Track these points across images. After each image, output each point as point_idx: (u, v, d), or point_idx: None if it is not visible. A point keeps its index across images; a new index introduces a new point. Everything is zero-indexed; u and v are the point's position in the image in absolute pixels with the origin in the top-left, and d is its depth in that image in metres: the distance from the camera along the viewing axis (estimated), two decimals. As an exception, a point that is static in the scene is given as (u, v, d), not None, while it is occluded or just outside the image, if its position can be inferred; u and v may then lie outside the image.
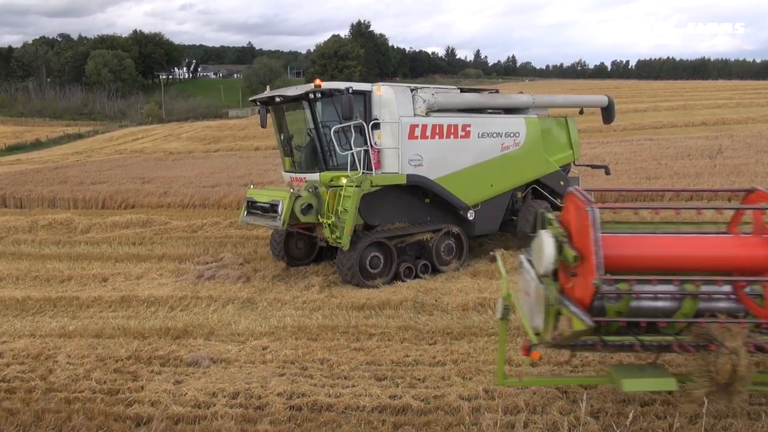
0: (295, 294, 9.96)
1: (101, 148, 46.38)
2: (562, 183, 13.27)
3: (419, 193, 11.21)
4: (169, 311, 9.16)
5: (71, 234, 15.96)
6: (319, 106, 10.52)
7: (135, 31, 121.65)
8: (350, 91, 10.14)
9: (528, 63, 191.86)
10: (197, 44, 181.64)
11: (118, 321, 8.62)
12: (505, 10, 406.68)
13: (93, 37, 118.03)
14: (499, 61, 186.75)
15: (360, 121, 10.44)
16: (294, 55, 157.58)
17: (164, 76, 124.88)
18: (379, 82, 11.14)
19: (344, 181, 10.15)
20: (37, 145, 53.00)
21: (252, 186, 12.18)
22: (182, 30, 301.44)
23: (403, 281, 10.56)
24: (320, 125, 10.56)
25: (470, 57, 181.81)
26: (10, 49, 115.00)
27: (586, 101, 14.97)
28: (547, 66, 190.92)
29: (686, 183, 19.22)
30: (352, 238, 10.11)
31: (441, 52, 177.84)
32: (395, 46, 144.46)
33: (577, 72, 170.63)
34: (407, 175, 10.62)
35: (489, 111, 12.27)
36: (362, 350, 7.38)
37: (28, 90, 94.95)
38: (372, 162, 10.55)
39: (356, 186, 9.97)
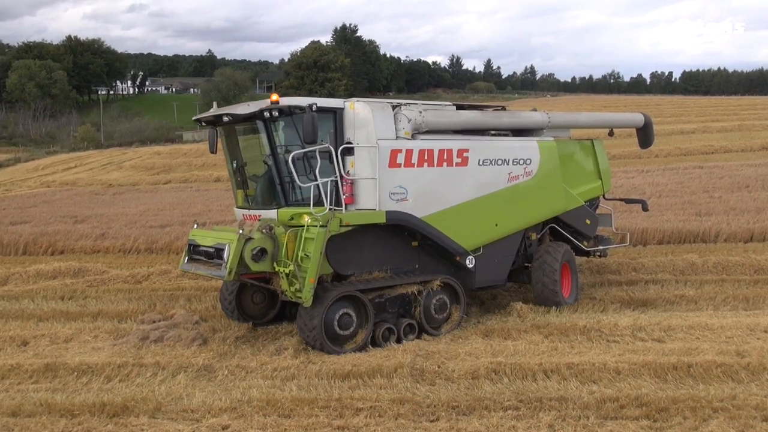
0: (263, 359, 9.92)
1: (24, 180, 46.49)
2: (588, 221, 13.22)
3: (404, 234, 11.09)
4: (106, 382, 9.07)
5: (-16, 286, 15.86)
6: (276, 126, 10.41)
7: (69, 38, 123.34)
8: (314, 108, 9.89)
9: (550, 75, 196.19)
10: (146, 53, 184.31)
11: (40, 395, 8.52)
12: (522, 13, 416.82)
13: (17, 45, 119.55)
14: (514, 73, 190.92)
15: (326, 145, 10.27)
16: (264, 66, 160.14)
17: (104, 92, 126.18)
18: (353, 98, 10.99)
19: (307, 219, 9.94)
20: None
21: (196, 226, 12.01)
22: (129, 36, 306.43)
23: (380, 346, 10.26)
24: (278, 150, 10.43)
25: (480, 68, 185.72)
26: None
27: (617, 120, 15.05)
28: (573, 78, 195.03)
29: (745, 220, 19.46)
30: (317, 291, 9.83)
31: (444, 62, 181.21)
32: (388, 55, 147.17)
33: (609, 86, 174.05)
34: (387, 212, 10.44)
35: (492, 132, 12.24)
36: (347, 429, 7.31)
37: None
38: (342, 196, 10.34)
39: (321, 226, 9.78)
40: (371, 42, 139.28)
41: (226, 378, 9.16)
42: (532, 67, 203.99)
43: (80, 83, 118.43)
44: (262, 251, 9.90)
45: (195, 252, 11.12)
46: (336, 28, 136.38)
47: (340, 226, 9.95)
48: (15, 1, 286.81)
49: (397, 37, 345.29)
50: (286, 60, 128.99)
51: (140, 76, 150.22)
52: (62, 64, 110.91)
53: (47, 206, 30.07)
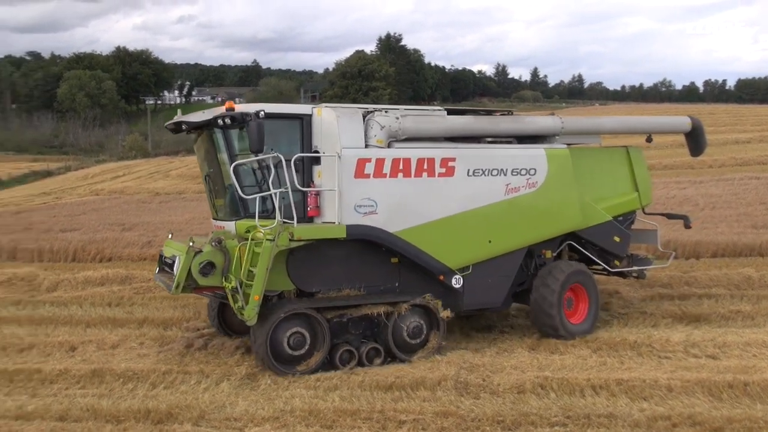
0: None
1: (74, 188, 47.64)
2: (617, 239, 12.14)
3: (382, 250, 10.42)
4: (150, 389, 9.22)
5: (34, 293, 16.30)
6: (232, 135, 10.07)
7: (118, 48, 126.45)
8: (261, 115, 9.46)
9: (598, 83, 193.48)
10: (193, 63, 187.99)
11: (87, 400, 8.70)
12: (570, 21, 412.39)
13: (68, 56, 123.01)
14: (562, 82, 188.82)
15: (275, 154, 9.73)
16: (309, 75, 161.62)
17: (152, 102, 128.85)
18: (323, 104, 10.57)
19: (261, 233, 9.51)
20: (10, 181, 54.79)
21: (171, 236, 11.75)
22: (177, 47, 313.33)
23: (341, 369, 9.81)
24: (235, 160, 10.07)
25: (526, 76, 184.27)
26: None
27: (655, 125, 13.78)
28: (623, 87, 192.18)
29: (805, 233, 18.84)
30: (267, 308, 9.62)
31: (490, 71, 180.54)
32: (433, 64, 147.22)
33: (660, 94, 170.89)
34: (349, 226, 9.89)
35: (489, 140, 11.40)
36: (390, 442, 7.30)
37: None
38: (306, 208, 10.05)
39: (268, 240, 9.38)
40: (416, 51, 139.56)
41: (269, 387, 9.23)
42: (579, 76, 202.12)
43: (129, 93, 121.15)
44: (210, 265, 9.49)
45: (163, 263, 10.88)
46: (380, 38, 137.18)
47: (291, 240, 9.51)
48: (68, 13, 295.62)
49: (443, 45, 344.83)
50: (331, 69, 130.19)
51: (187, 86, 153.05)
52: (111, 74, 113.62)
53: (96, 214, 30.75)
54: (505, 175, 11.03)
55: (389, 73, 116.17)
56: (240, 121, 9.67)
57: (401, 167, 10.32)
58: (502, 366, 9.77)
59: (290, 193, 9.75)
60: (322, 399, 8.61)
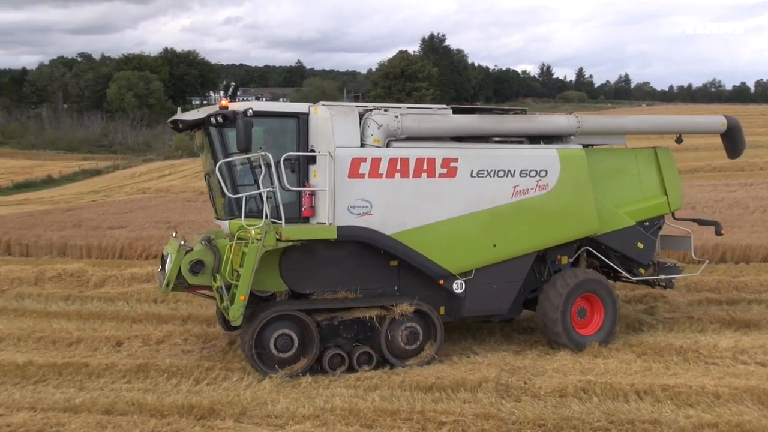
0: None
1: (121, 187, 48.65)
2: (640, 245, 11.50)
3: (381, 252, 10.20)
4: (194, 385, 9.37)
5: (83, 288, 16.68)
6: (226, 133, 9.94)
7: (165, 49, 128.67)
8: (249, 113, 9.44)
9: (645, 83, 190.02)
10: (238, 64, 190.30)
11: (132, 394, 8.88)
12: (618, 20, 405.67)
13: (117, 57, 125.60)
14: (608, 82, 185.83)
15: (263, 153, 9.68)
16: (352, 76, 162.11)
17: (198, 102, 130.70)
18: (322, 102, 10.51)
19: (248, 233, 9.47)
20: (48, 182, 56.18)
21: (174, 234, 11.51)
22: (223, 48, 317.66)
23: (331, 373, 9.72)
24: (229, 159, 9.97)
25: (571, 76, 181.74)
26: (23, 71, 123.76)
27: (685, 125, 12.72)
28: (671, 87, 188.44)
29: None
30: (256, 309, 9.61)
31: (534, 71, 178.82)
32: (476, 64, 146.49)
33: (709, 94, 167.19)
34: (341, 227, 9.72)
35: (496, 140, 10.99)
36: (429, 443, 7.29)
37: (41, 118, 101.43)
38: (300, 208, 9.97)
39: (254, 240, 9.30)
40: (459, 51, 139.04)
41: (309, 385, 9.29)
42: (626, 76, 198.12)
43: (176, 93, 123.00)
44: (199, 263, 9.48)
45: (163, 261, 10.86)
46: (424, 38, 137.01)
47: (279, 240, 9.44)
48: (118, 15, 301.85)
49: (487, 46, 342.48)
50: (374, 70, 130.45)
51: (232, 87, 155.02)
52: (159, 75, 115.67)
53: (142, 212, 31.30)
54: (512, 176, 10.60)
55: (432, 74, 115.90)
56: (232, 119, 9.56)
57: (399, 167, 10.06)
58: (543, 369, 9.68)
59: (278, 192, 9.68)
60: (362, 398, 8.63)
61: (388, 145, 10.14)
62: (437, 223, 10.23)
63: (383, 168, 9.98)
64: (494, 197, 10.52)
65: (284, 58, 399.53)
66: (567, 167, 10.89)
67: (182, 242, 9.74)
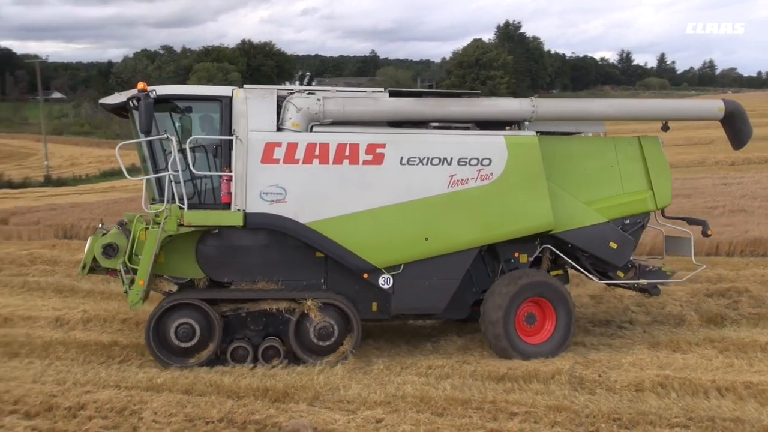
0: (418, 356, 10.06)
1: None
2: (613, 245, 10.27)
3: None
4: (269, 368, 9.55)
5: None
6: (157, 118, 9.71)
7: (243, 41, 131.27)
8: (152, 95, 9.25)
9: (731, 69, 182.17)
10: (314, 54, 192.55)
11: (210, 376, 9.13)
12: (703, 4, 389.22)
13: (197, 49, 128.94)
14: (691, 68, 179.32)
15: (165, 136, 9.52)
16: (426, 65, 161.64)
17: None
18: (246, 85, 10.09)
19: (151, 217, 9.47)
20: (132, 170, 58.48)
21: (101, 223, 11.55)
22: (300, 38, 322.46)
23: (230, 366, 9.50)
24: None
25: (652, 63, 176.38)
26: (110, 64, 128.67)
27: (668, 110, 11.12)
28: (759, 73, 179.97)
29: None
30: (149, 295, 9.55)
31: (613, 58, 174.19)
32: (552, 52, 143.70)
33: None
34: (250, 213, 9.40)
35: (435, 125, 10.16)
36: (500, 433, 7.23)
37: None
38: (215, 194, 9.69)
39: (154, 225, 9.32)
40: (535, 39, 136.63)
41: (381, 372, 9.36)
42: (711, 62, 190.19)
43: (253, 83, 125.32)
44: (111, 247, 9.43)
45: None
46: (499, 26, 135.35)
47: (181, 226, 9.30)
48: (200, 9, 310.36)
49: (564, 33, 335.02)
50: (448, 59, 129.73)
51: (307, 77, 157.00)
52: (237, 66, 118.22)
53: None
54: (449, 164, 9.75)
55: (507, 62, 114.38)
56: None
57: (317, 153, 9.53)
58: (619, 362, 9.45)
59: (180, 176, 9.36)
60: (434, 386, 8.64)
61: (311, 131, 9.72)
62: (360, 213, 9.63)
63: (300, 154, 9.51)
64: (427, 187, 9.74)
65: (359, 48, 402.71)
66: (516, 156, 9.90)
67: (100, 225, 9.86)
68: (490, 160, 9.83)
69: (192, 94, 10.11)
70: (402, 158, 9.69)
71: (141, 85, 9.37)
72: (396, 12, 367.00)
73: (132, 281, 9.48)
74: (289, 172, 9.49)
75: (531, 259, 10.53)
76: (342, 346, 9.75)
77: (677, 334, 10.87)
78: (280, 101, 9.79)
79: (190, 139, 9.62)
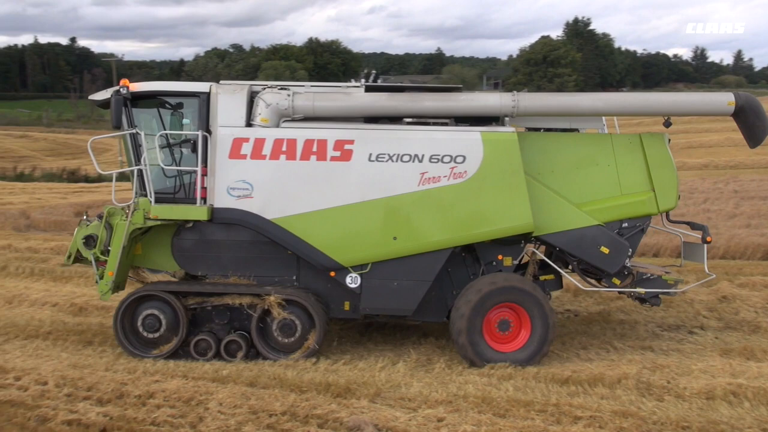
0: (480, 356, 9.96)
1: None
2: (604, 250, 9.67)
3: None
4: (331, 364, 9.65)
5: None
6: (128, 112, 9.90)
7: (310, 39, 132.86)
8: (122, 92, 9.50)
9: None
10: (379, 52, 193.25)
11: (274, 369, 9.29)
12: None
13: (266, 48, 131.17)
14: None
15: (134, 131, 9.78)
16: (492, 62, 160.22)
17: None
18: (223, 81, 10.23)
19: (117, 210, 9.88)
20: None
21: (86, 214, 11.73)
22: (366, 37, 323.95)
23: (194, 359, 9.71)
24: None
25: (728, 60, 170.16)
26: (181, 62, 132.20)
27: (669, 105, 10.10)
28: None
29: None
30: (117, 287, 9.85)
31: (687, 55, 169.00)
32: (623, 49, 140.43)
33: None
34: (217, 208, 9.53)
35: (408, 121, 9.81)
36: (564, 437, 7.12)
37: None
38: (191, 188, 9.82)
39: (123, 218, 9.65)
40: (605, 35, 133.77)
41: (443, 371, 9.33)
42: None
43: (319, 81, 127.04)
44: (90, 238, 9.81)
45: None
46: (568, 22, 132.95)
47: (148, 219, 9.55)
48: (270, 8, 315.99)
49: (636, 29, 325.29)
50: (515, 56, 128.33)
51: (373, 74, 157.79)
52: (304, 64, 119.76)
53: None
54: (420, 161, 9.47)
55: (575, 59, 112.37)
56: (131, 98, 9.74)
57: (284, 149, 9.50)
58: (689, 368, 9.15)
59: (147, 170, 9.64)
60: (496, 387, 8.57)
61: (279, 126, 9.68)
62: (327, 210, 9.53)
63: (267, 149, 9.51)
64: (396, 184, 9.49)
65: (425, 45, 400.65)
66: (492, 153, 9.47)
67: (84, 217, 10.18)
68: (464, 158, 9.50)
69: (171, 90, 10.28)
70: (371, 155, 9.52)
71: (123, 81, 9.74)
72: (463, 9, 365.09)
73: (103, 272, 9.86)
74: (255, 168, 9.54)
75: (516, 262, 10.17)
76: (307, 342, 9.75)
77: (751, 342, 10.46)
78: (255, 97, 9.81)
79: (159, 134, 9.90)
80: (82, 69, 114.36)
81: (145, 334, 9.86)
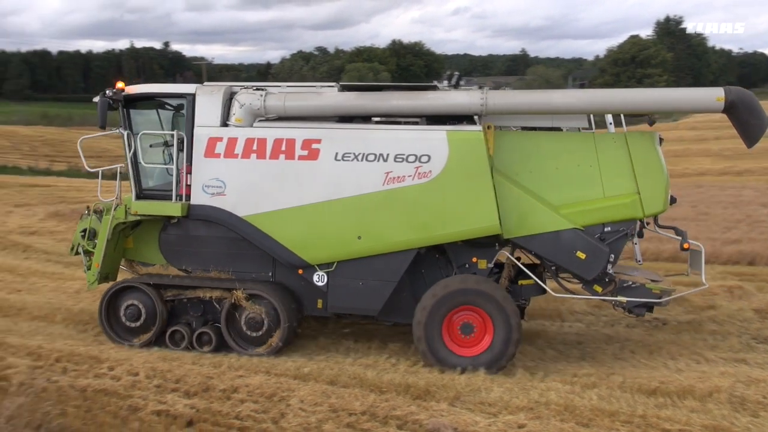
0: (563, 363, 9.79)
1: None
2: (581, 255, 9.18)
3: None
4: (411, 365, 9.66)
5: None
6: (125, 113, 10.45)
7: (393, 41, 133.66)
8: (107, 93, 9.97)
9: None
10: (462, 53, 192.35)
11: (354, 369, 9.37)
12: None
13: (350, 50, 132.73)
14: None
15: (118, 131, 10.35)
16: (578, 63, 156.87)
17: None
18: (207, 83, 10.61)
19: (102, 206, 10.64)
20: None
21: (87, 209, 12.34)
22: (450, 38, 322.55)
23: (174, 349, 10.18)
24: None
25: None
26: (268, 65, 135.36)
27: (647, 100, 9.43)
28: None
29: None
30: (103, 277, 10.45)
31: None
32: (717, 48, 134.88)
33: None
34: (193, 205, 9.93)
35: (376, 120, 9.69)
36: (651, 449, 6.90)
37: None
38: (176, 186, 10.11)
39: (107, 213, 10.29)
40: (699, 34, 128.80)
41: (524, 377, 9.19)
42: None
43: (402, 83, 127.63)
44: (87, 231, 10.55)
45: None
46: (658, 21, 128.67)
47: (129, 214, 10.19)
48: (355, 11, 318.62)
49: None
50: (602, 56, 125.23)
51: (456, 76, 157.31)
52: (387, 66, 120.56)
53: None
54: (384, 161, 9.38)
55: (666, 59, 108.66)
56: (124, 101, 10.25)
57: (255, 148, 9.71)
58: (788, 384, 8.70)
59: (129, 167, 10.28)
60: (579, 396, 8.35)
61: (253, 126, 9.92)
62: (294, 208, 9.67)
63: (239, 148, 9.75)
64: (361, 184, 9.45)
65: (509, 46, 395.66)
66: (458, 153, 9.25)
67: (86, 212, 10.79)
68: (429, 157, 9.32)
69: (162, 92, 10.72)
70: (337, 154, 9.55)
71: (119, 84, 10.29)
72: (549, 9, 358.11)
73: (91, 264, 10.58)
74: (228, 166, 9.83)
75: (491, 265, 9.89)
76: (271, 338, 10.01)
77: None
78: (233, 98, 10.09)
79: (140, 134, 10.37)
80: (174, 72, 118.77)
81: (127, 323, 10.42)
